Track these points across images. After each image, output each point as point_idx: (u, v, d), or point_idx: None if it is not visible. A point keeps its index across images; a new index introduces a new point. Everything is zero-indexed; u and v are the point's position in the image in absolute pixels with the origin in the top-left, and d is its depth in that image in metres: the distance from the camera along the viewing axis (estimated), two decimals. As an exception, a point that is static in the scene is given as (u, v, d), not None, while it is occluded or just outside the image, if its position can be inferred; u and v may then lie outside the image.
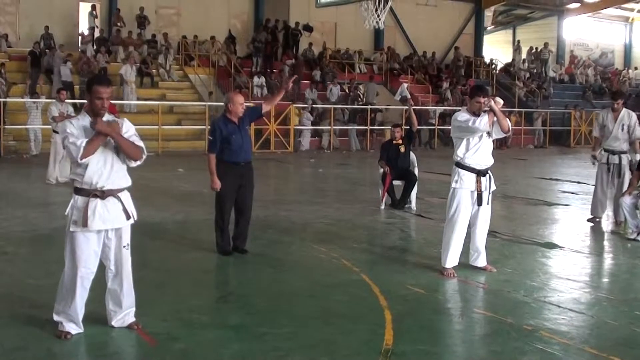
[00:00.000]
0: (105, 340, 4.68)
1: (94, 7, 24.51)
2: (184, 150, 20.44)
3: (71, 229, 4.58)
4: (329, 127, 23.09)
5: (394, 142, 10.78)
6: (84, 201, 4.56)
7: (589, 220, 9.73)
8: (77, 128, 4.54)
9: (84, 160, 4.47)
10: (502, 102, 6.53)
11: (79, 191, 4.58)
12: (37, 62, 21.24)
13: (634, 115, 9.59)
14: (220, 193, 7.04)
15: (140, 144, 4.72)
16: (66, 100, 13.16)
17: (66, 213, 4.64)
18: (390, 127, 12.26)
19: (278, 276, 6.57)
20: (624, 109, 9.66)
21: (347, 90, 25.88)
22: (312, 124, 23.20)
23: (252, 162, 7.20)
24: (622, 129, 9.45)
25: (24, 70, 21.62)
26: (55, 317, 4.73)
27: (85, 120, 4.58)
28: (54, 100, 14.25)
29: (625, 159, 9.49)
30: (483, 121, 6.32)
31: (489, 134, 6.54)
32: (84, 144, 4.45)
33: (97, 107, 4.57)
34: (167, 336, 4.76)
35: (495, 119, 6.44)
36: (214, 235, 7.25)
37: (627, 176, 9.43)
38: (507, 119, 6.65)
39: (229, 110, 6.99)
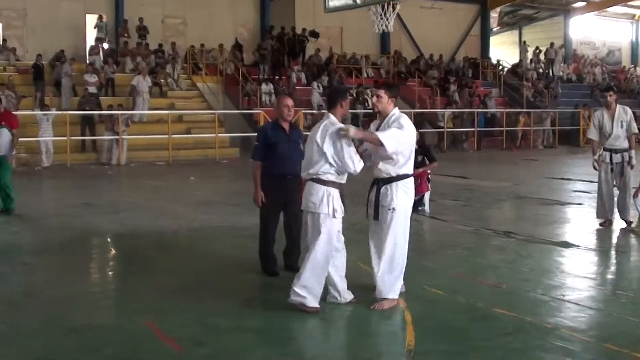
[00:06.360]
0: (131, 348, 4.71)
1: (100, 18, 24.63)
2: (194, 158, 20.53)
3: (336, 216, 5.52)
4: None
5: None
6: (336, 192, 5.52)
7: (600, 224, 9.25)
8: None
9: None
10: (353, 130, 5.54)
11: (333, 184, 5.51)
12: (41, 75, 21.33)
13: (629, 111, 9.20)
14: (262, 210, 6.56)
15: None
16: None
17: (315, 202, 5.44)
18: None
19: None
20: (618, 105, 9.21)
21: (354, 95, 25.90)
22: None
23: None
24: (622, 126, 9.04)
25: (32, 83, 21.74)
26: (300, 292, 5.37)
27: None
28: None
29: (627, 157, 9.12)
30: None
31: None
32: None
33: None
34: (191, 341, 4.78)
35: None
36: (235, 243, 7.11)
37: (630, 174, 9.13)
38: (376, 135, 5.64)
39: (277, 113, 6.61)
